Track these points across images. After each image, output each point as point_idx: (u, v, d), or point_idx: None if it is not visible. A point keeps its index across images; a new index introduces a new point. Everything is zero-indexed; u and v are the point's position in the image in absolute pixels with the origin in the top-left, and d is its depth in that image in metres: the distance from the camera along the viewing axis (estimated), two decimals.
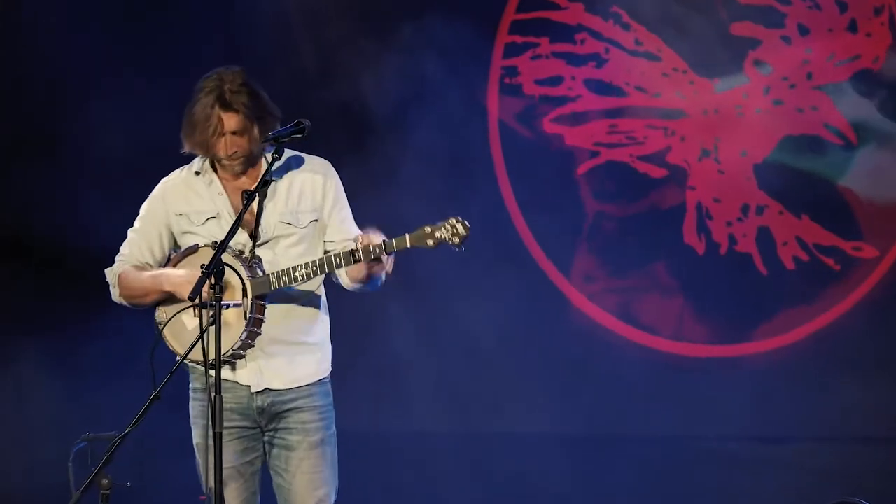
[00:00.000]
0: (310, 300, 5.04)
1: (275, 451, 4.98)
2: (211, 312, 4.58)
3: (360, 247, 4.76)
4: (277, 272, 4.86)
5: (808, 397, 7.31)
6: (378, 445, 7.33)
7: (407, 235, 4.70)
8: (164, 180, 5.16)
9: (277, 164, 4.92)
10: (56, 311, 7.49)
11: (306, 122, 4.84)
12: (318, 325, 5.10)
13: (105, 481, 4.83)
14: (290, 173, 5.04)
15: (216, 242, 4.85)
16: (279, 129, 4.89)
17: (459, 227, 4.69)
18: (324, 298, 5.12)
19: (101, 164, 7.62)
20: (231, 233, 4.73)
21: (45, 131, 7.73)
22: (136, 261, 5.11)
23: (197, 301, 4.60)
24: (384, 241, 4.72)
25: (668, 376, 7.52)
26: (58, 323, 7.43)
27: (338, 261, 4.78)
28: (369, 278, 4.89)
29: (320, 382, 5.05)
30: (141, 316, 5.04)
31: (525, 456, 7.53)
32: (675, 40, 7.54)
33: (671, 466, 7.37)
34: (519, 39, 7.77)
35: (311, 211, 5.01)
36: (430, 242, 4.68)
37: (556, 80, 7.72)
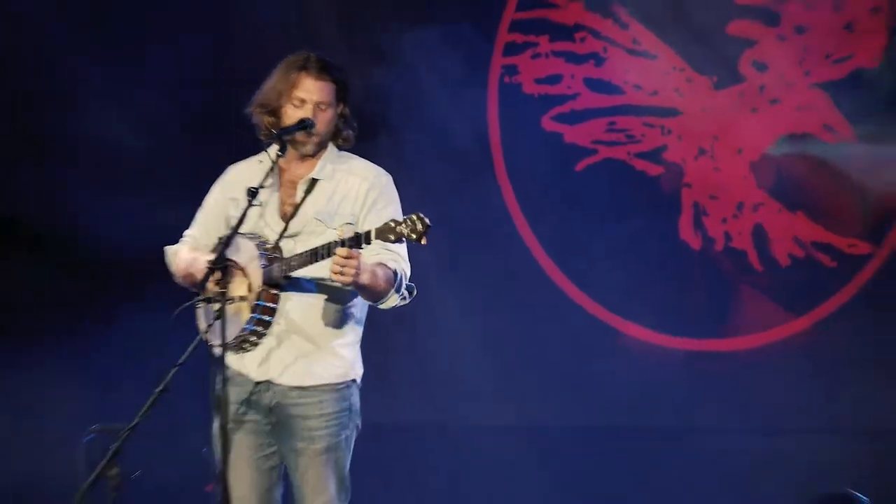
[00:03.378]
0: (337, 300, 4.99)
1: (284, 451, 5.00)
2: (216, 307, 4.65)
3: (337, 238, 4.72)
4: (281, 260, 4.86)
5: (804, 391, 7.27)
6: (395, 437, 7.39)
7: (373, 229, 4.66)
8: (231, 165, 5.19)
9: (278, 156, 4.94)
10: (70, 308, 7.62)
11: (309, 120, 4.90)
12: (343, 328, 5.05)
13: (113, 472, 4.77)
14: (341, 176, 5.05)
15: (256, 235, 4.90)
16: (290, 126, 4.93)
17: (419, 223, 4.61)
18: (358, 303, 5.05)
19: (111, 162, 7.68)
20: (236, 228, 4.78)
21: (55, 132, 7.80)
22: (195, 242, 5.12)
23: (205, 294, 4.71)
24: (355, 231, 4.68)
25: (662, 369, 7.51)
26: (71, 320, 7.55)
27: (323, 251, 4.74)
28: (350, 284, 4.76)
29: (335, 388, 5.00)
30: (152, 312, 5.09)
31: (530, 447, 7.55)
32: (672, 39, 7.54)
33: (671, 457, 7.36)
34: (519, 38, 7.77)
35: (349, 215, 4.99)
36: (392, 237, 4.62)
37: (555, 79, 7.72)
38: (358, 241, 4.62)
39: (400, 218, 4.66)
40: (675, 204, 7.55)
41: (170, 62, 7.71)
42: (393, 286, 4.85)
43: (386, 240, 4.61)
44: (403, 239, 4.60)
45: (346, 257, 4.59)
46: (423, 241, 4.60)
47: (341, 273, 4.62)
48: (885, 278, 7.21)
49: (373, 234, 4.60)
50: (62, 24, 7.72)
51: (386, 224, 4.60)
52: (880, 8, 7.18)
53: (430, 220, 4.60)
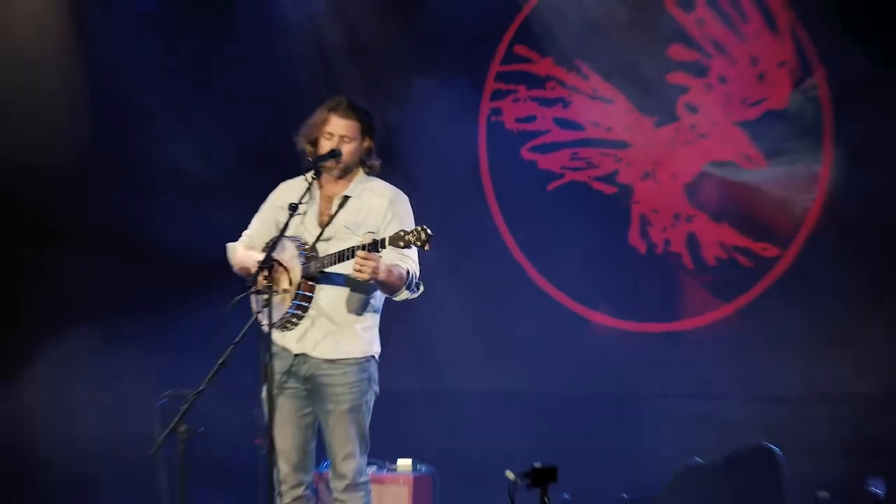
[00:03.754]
0: (360, 292, 5.28)
1: (317, 411, 5.38)
2: (265, 297, 5.10)
3: (359, 243, 5.05)
4: (316, 259, 5.22)
5: (729, 364, 7.66)
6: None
7: (386, 237, 5.00)
8: (283, 182, 5.51)
9: (314, 177, 5.35)
10: (150, 298, 8.01)
11: (338, 151, 5.34)
12: (364, 314, 5.32)
13: (183, 428, 5.06)
14: (367, 195, 5.38)
15: (297, 238, 5.24)
16: (323, 155, 5.32)
17: (422, 233, 4.94)
18: (377, 295, 5.34)
19: (191, 185, 8.06)
20: (281, 233, 5.19)
21: (132, 153, 8.23)
22: (251, 241, 5.43)
23: (254, 287, 5.14)
24: (374, 238, 5.01)
25: (622, 347, 7.86)
26: (151, 307, 7.91)
27: (348, 253, 5.08)
28: (369, 280, 5.05)
29: (356, 362, 5.31)
30: (215, 301, 5.25)
31: (515, 410, 7.90)
32: (623, 87, 7.93)
33: (629, 417, 7.72)
34: (503, 86, 8.20)
35: (372, 226, 5.29)
36: (401, 244, 4.94)
37: (531, 118, 8.13)
38: (375, 246, 4.99)
39: (409, 229, 4.99)
40: (626, 217, 7.96)
41: (233, 103, 8.12)
42: (405, 283, 5.19)
43: (396, 246, 4.94)
44: (411, 245, 4.93)
45: (365, 258, 4.98)
46: (427, 247, 4.93)
47: (360, 271, 5.00)
48: (790, 275, 7.67)
49: (386, 241, 4.98)
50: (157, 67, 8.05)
51: (396, 233, 4.97)
52: (786, 62, 7.62)
53: (431, 230, 4.95)
